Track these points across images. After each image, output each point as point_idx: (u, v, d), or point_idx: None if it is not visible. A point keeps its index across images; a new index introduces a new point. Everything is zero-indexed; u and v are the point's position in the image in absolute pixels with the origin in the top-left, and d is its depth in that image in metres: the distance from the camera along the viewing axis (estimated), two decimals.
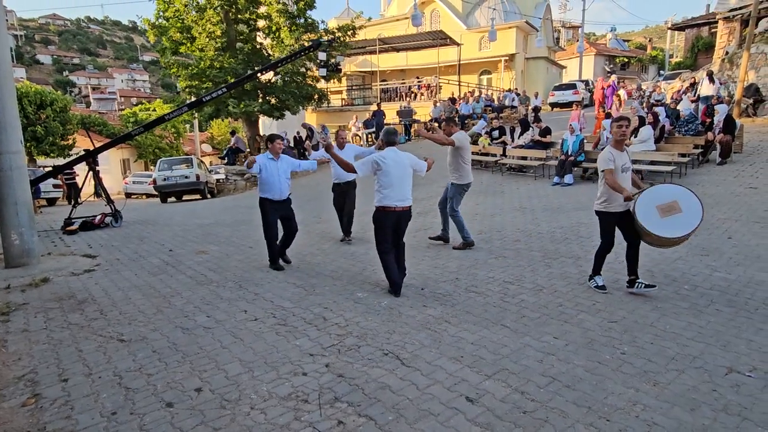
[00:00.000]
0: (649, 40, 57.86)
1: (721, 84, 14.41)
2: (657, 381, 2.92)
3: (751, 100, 14.05)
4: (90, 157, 9.04)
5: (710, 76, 13.51)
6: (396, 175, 4.53)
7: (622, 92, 18.04)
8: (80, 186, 11.24)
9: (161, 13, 18.25)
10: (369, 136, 19.36)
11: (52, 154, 20.57)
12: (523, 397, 2.78)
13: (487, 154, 12.57)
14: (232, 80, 17.62)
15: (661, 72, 34.65)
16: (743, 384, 2.86)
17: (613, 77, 17.83)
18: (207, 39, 17.49)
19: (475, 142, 13.25)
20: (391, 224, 4.59)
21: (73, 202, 10.21)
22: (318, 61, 13.97)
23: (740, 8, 17.81)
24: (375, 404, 2.75)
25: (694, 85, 15.84)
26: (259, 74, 14.60)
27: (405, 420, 2.59)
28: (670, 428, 2.47)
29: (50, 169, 10.74)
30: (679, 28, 29.81)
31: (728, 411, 2.61)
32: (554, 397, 2.77)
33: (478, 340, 3.52)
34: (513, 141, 12.64)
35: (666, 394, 2.78)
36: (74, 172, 14.66)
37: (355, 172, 4.55)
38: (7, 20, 6.52)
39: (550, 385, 2.90)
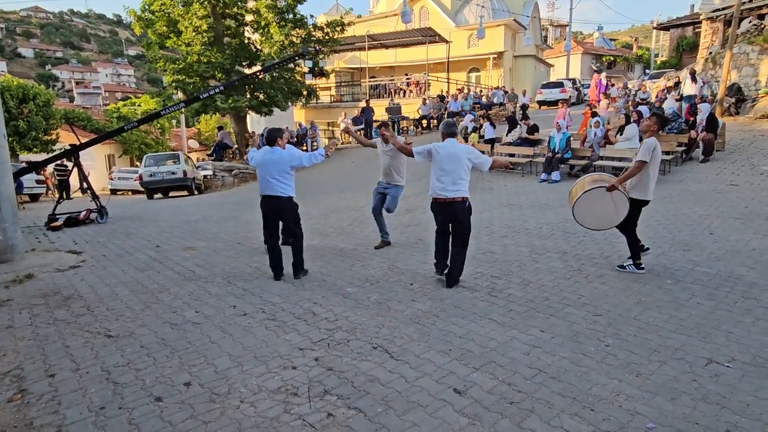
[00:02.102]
0: (635, 40, 58.61)
1: (704, 83, 14.65)
2: (640, 372, 2.99)
3: (733, 99, 14.33)
4: (75, 153, 8.93)
5: (692, 75, 13.73)
6: (448, 167, 4.52)
7: (613, 90, 18.27)
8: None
9: (147, 7, 18.01)
10: (358, 132, 19.34)
11: (34, 149, 20.21)
12: (509, 389, 2.83)
13: None
14: (220, 75, 17.52)
15: (647, 71, 35.10)
16: (722, 374, 2.95)
17: (602, 75, 18.04)
18: (193, 33, 17.28)
19: (465, 139, 13.37)
20: (440, 214, 4.65)
21: (58, 197, 10.06)
22: (305, 66, 14.26)
23: (723, 9, 18.11)
24: (364, 397, 2.78)
25: (678, 84, 16.09)
26: (247, 72, 14.59)
27: (394, 412, 2.63)
28: (651, 417, 2.54)
29: (24, 165, 10.55)
30: (664, 27, 30.20)
31: (707, 400, 2.68)
32: (540, 389, 2.82)
33: (466, 334, 3.57)
34: (485, 131, 12.92)
35: (648, 384, 2.85)
36: (67, 168, 14.46)
37: (413, 156, 4.74)
38: None
39: (536, 376, 2.96)
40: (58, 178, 15.99)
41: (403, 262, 5.47)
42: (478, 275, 4.91)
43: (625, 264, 4.86)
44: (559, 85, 24.09)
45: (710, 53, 18.27)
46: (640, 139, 10.24)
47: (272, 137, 4.93)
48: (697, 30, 23.93)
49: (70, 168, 11.76)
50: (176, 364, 3.22)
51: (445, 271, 4.70)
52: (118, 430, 2.51)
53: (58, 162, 11.13)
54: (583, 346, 3.34)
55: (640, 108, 11.59)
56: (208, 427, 2.53)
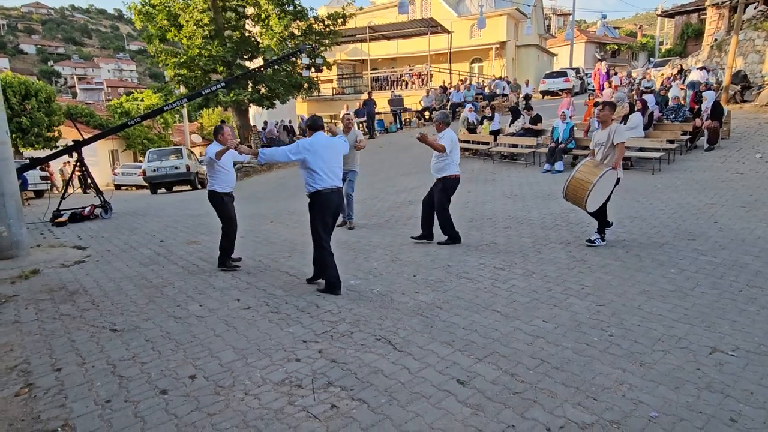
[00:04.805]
0: (639, 27, 57.86)
1: (708, 71, 14.50)
2: (643, 361, 2.98)
3: (738, 87, 14.17)
4: (78, 148, 8.95)
5: (700, 69, 13.62)
6: (458, 151, 5.65)
7: (615, 78, 18.11)
8: (70, 177, 11.12)
9: (147, 0, 17.95)
10: (360, 125, 19.26)
11: (37, 146, 20.23)
12: (513, 379, 2.83)
13: (478, 142, 12.59)
14: (221, 69, 17.49)
15: (652, 59, 34.73)
16: (726, 363, 2.94)
17: (602, 64, 17.88)
18: (194, 27, 17.23)
19: (473, 131, 13.30)
20: (457, 187, 5.76)
21: (62, 192, 10.09)
22: (302, 64, 14.21)
23: None
24: (368, 388, 2.79)
25: (682, 72, 15.93)
26: (249, 65, 14.58)
27: (397, 403, 2.64)
28: (655, 406, 2.53)
29: (26, 161, 10.55)
30: (668, 15, 29.83)
31: (711, 389, 2.68)
32: (543, 379, 2.82)
33: (470, 325, 3.57)
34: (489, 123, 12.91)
35: (652, 373, 2.85)
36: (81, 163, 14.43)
37: (445, 151, 5.45)
38: None
39: (539, 366, 2.96)
40: (78, 173, 16.04)
41: (406, 254, 5.47)
42: (481, 266, 4.90)
43: (593, 238, 5.37)
44: (562, 74, 23.82)
45: (716, 40, 18.04)
46: (645, 128, 10.13)
47: (318, 124, 4.42)
48: (702, 17, 23.64)
49: (73, 163, 11.76)
50: (181, 357, 3.24)
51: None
52: (124, 423, 2.53)
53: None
54: (586, 336, 3.34)
55: (645, 97, 11.47)
56: (213, 419, 2.55)
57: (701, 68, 13.80)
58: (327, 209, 4.24)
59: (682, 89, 13.22)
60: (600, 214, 5.30)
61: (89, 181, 9.27)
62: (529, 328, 3.48)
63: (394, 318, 3.75)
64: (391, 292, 4.30)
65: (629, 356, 3.05)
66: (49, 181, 17.40)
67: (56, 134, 21.20)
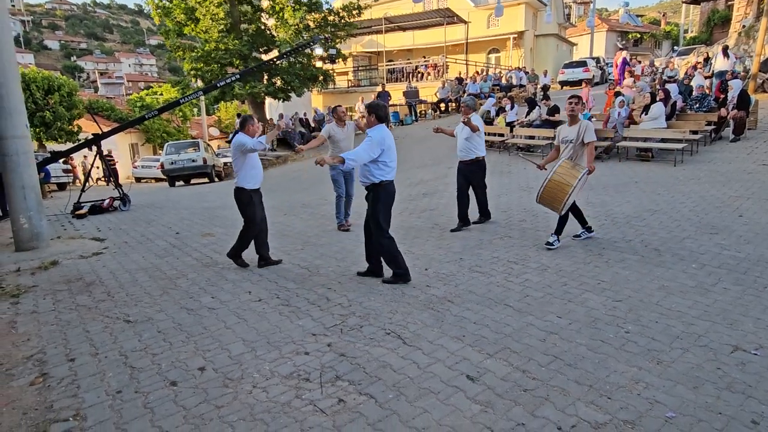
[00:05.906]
0: (663, 15, 56.29)
1: (736, 59, 13.99)
2: (661, 359, 2.89)
3: (767, 75, 13.65)
4: (97, 142, 9.09)
5: (725, 51, 13.11)
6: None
7: (636, 68, 17.64)
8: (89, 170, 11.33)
9: None
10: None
11: (60, 139, 20.68)
12: (524, 376, 2.77)
13: (494, 134, 12.40)
14: (237, 62, 17.57)
15: (675, 48, 33.69)
16: (749, 362, 2.83)
17: (624, 53, 17.42)
18: (210, 21, 17.33)
19: (490, 123, 13.12)
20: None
21: (82, 185, 10.28)
22: (316, 55, 14.17)
23: None
24: (376, 383, 2.76)
25: (707, 60, 15.42)
26: (264, 58, 14.61)
27: (405, 398, 2.60)
28: (672, 406, 2.45)
29: (47, 155, 10.74)
30: (694, 1, 28.85)
31: (732, 389, 2.58)
32: (556, 376, 2.76)
33: (481, 320, 3.51)
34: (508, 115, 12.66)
35: (669, 372, 2.75)
36: (111, 156, 14.61)
37: (479, 130, 5.86)
38: (13, 5, 6.48)
39: (551, 363, 2.89)
40: (108, 166, 16.38)
41: (418, 247, 5.42)
42: (494, 260, 4.83)
43: (551, 240, 5.15)
44: (582, 64, 23.29)
45: (743, 26, 17.41)
46: (668, 118, 9.83)
47: (387, 117, 4.31)
48: (729, 2, 22.81)
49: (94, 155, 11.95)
50: (191, 348, 3.26)
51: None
52: (134, 414, 2.56)
53: (107, 152, 11.19)
54: (601, 332, 3.25)
55: (667, 86, 11.13)
56: (220, 411, 2.56)
57: (725, 49, 13.25)
58: (391, 199, 4.33)
59: (707, 77, 12.80)
60: (564, 218, 5.12)
61: (109, 174, 9.43)
62: (542, 324, 3.40)
63: (404, 312, 3.71)
64: (401, 286, 4.26)
65: (646, 354, 2.95)
66: (71, 174, 17.80)
67: (75, 128, 21.61)
